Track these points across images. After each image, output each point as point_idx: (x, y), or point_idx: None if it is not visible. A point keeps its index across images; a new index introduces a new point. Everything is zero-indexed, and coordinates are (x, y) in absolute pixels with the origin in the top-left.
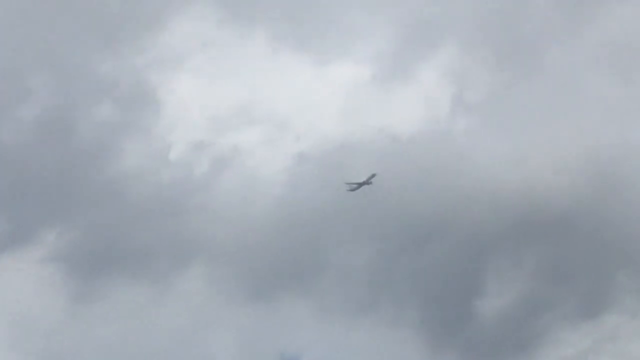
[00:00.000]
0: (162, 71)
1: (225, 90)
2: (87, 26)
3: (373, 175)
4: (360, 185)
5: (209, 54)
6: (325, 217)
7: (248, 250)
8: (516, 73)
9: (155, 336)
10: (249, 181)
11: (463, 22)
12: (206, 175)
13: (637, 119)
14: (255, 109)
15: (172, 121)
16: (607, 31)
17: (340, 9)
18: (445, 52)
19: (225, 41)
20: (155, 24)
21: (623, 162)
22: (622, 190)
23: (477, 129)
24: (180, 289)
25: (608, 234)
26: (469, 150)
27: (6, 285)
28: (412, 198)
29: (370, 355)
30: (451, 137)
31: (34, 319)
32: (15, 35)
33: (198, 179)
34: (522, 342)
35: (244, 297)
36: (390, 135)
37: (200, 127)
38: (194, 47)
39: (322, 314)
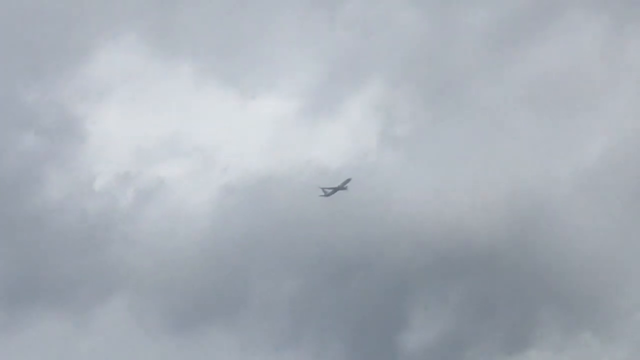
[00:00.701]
0: (88, 102)
1: (150, 122)
2: (12, 56)
3: (348, 180)
4: (335, 190)
5: (135, 85)
6: (249, 250)
7: (171, 282)
8: (442, 109)
9: None
10: (174, 213)
11: (389, 58)
12: (131, 207)
13: (558, 156)
14: (181, 141)
15: (97, 152)
16: (530, 70)
17: (266, 44)
18: (372, 87)
19: (151, 73)
20: (81, 55)
21: (545, 199)
22: (544, 227)
23: (404, 163)
24: (102, 320)
25: (531, 270)
26: (396, 184)
27: None
28: (337, 231)
29: None
30: (378, 171)
31: None
32: None
33: (122, 210)
34: None
35: (166, 330)
36: (317, 168)
37: (125, 159)
38: (120, 78)
39: (245, 347)
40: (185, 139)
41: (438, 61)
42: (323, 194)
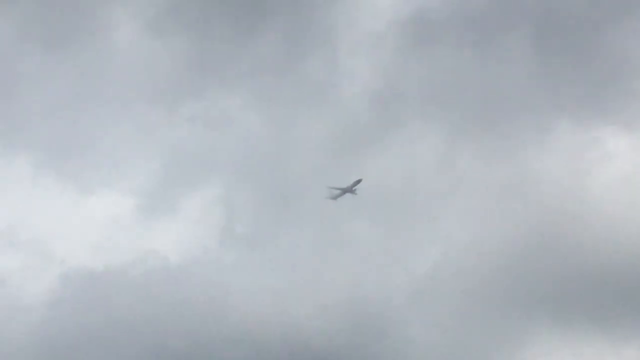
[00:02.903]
0: None
1: None
2: None
3: (358, 182)
4: (343, 192)
5: None
6: (84, 343)
7: None
8: (282, 211)
9: None
10: (9, 306)
11: (231, 157)
12: None
13: (394, 264)
14: (17, 234)
15: None
16: (369, 179)
17: (106, 140)
18: (213, 185)
19: None
20: None
21: (382, 306)
22: (383, 333)
23: (244, 261)
24: None
25: None
26: (235, 282)
27: None
28: (173, 327)
29: None
30: (218, 268)
31: None
32: None
33: None
34: None
35: None
36: (155, 264)
37: None
38: None
39: None
40: (21, 232)
41: (278, 164)
42: (330, 196)
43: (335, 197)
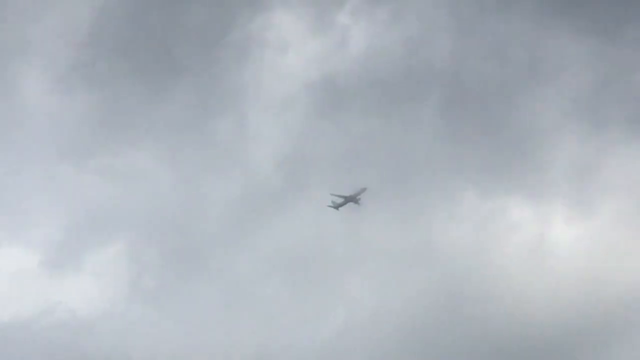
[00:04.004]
0: None
1: None
2: None
3: (363, 190)
4: (345, 201)
5: None
6: None
7: None
8: (190, 269)
9: None
10: None
11: (139, 213)
12: None
13: (303, 327)
14: None
15: None
16: (278, 242)
17: (14, 194)
18: (121, 239)
19: None
20: None
21: None
22: None
23: (151, 316)
24: None
25: None
26: (141, 336)
27: None
28: None
29: None
30: (124, 322)
31: None
32: None
33: None
34: None
35: None
36: (61, 316)
37: None
38: None
39: None
40: None
41: (185, 222)
42: (332, 204)
43: (337, 206)
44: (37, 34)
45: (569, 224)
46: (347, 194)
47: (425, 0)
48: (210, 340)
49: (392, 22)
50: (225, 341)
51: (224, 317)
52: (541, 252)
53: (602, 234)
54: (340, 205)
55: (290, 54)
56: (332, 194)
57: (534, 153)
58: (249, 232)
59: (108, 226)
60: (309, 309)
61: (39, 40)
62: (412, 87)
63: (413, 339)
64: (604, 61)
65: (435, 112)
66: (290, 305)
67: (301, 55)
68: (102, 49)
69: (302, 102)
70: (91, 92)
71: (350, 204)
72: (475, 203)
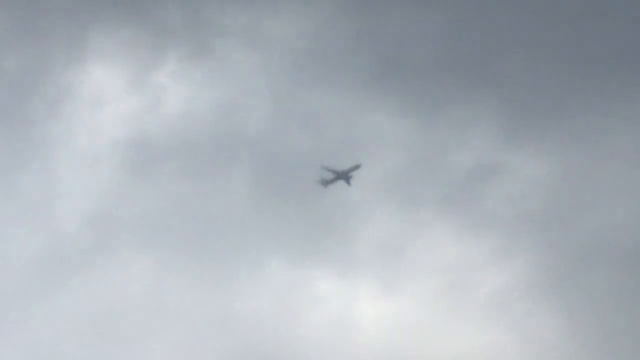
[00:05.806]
0: None
1: None
2: None
3: (357, 167)
4: (337, 176)
5: None
6: None
7: None
8: None
9: None
10: None
11: None
12: None
13: None
14: None
15: None
16: (79, 299)
17: None
18: None
19: None
20: None
21: None
22: None
23: None
24: None
25: None
26: None
27: None
28: None
29: None
30: None
31: None
32: None
33: None
34: None
35: None
36: None
37: None
38: None
39: None
40: None
41: None
42: (321, 180)
43: (326, 183)
44: None
45: (375, 300)
46: (339, 168)
47: (246, 66)
48: None
49: (209, 85)
50: None
51: None
52: (346, 326)
53: (406, 313)
54: (330, 182)
55: (104, 109)
56: (322, 167)
57: (344, 227)
58: (51, 290)
59: None
60: None
61: None
62: (224, 151)
63: None
64: (420, 141)
65: (246, 178)
66: None
67: (116, 112)
68: None
69: (114, 160)
70: None
71: (341, 182)
72: (282, 272)
